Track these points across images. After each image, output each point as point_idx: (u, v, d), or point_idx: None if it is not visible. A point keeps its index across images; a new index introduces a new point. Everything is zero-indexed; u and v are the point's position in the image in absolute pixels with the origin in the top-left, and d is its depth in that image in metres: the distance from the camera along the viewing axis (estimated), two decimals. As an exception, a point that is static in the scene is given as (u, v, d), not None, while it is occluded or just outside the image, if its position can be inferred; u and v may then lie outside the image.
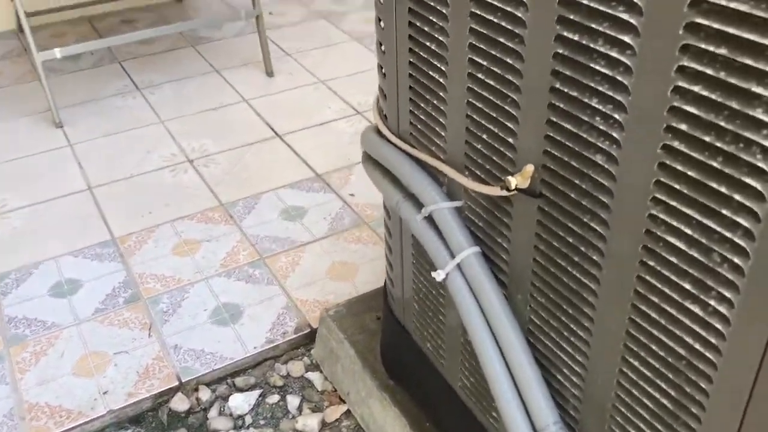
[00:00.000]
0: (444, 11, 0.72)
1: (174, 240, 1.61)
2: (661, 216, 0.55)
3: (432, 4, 0.73)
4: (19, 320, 1.41)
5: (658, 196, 0.54)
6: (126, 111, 2.09)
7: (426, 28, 0.76)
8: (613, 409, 0.67)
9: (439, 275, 0.78)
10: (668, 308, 0.57)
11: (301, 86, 2.19)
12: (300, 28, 2.56)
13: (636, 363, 0.63)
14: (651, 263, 0.57)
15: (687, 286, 0.55)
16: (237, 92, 2.16)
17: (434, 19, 0.74)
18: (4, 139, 1.97)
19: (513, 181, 0.65)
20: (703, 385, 0.56)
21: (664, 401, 0.60)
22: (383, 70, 0.88)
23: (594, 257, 0.63)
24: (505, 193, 0.70)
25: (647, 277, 0.58)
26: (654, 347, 0.60)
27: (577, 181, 0.62)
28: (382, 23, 0.85)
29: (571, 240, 0.65)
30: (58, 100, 2.11)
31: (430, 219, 0.82)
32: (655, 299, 0.58)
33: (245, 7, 2.20)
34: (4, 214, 1.70)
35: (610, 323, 0.64)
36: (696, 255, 0.53)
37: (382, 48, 0.87)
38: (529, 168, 0.64)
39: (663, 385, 0.60)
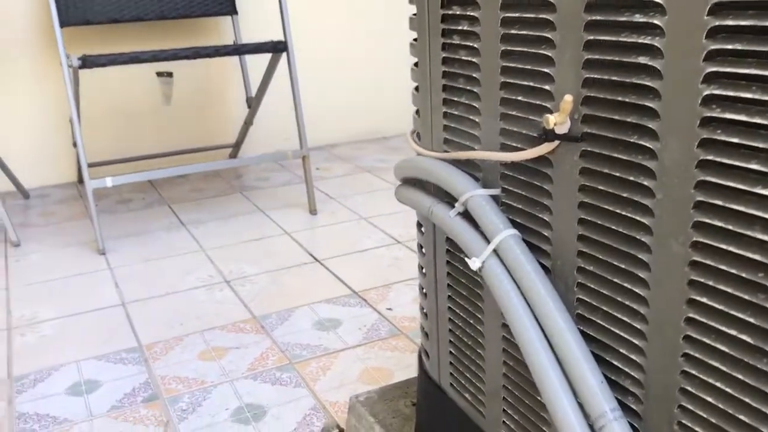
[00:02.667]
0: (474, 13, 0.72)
1: (201, 347, 1.53)
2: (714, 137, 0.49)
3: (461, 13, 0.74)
4: (30, 416, 1.32)
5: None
6: (169, 241, 2.11)
7: (457, 27, 0.76)
8: (680, 395, 0.56)
9: (474, 263, 0.71)
10: (730, 269, 0.49)
11: (343, 222, 2.20)
12: (345, 179, 2.63)
13: (701, 338, 0.53)
14: (705, 218, 0.50)
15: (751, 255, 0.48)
16: (279, 226, 2.18)
17: (464, 12, 0.74)
18: (44, 264, 1.99)
19: (552, 119, 0.61)
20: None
21: (736, 388, 0.50)
22: (417, 88, 0.88)
23: (644, 202, 0.56)
24: (544, 148, 0.65)
25: (701, 239, 0.51)
26: (718, 323, 0.51)
27: (618, 117, 0.57)
28: (415, 39, 0.86)
29: (618, 185, 0.59)
30: (104, 232, 2.16)
31: (465, 215, 0.76)
32: (713, 263, 0.50)
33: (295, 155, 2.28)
34: (34, 325, 1.66)
35: (667, 292, 0.55)
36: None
37: (416, 64, 0.87)
38: (567, 98, 0.59)
39: (733, 369, 0.50)
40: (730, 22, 0.47)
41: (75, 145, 2.18)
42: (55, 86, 2.61)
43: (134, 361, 1.49)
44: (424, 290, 0.96)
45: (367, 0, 3.02)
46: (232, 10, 2.54)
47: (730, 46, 0.48)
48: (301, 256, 1.96)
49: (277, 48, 2.16)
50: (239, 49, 2.12)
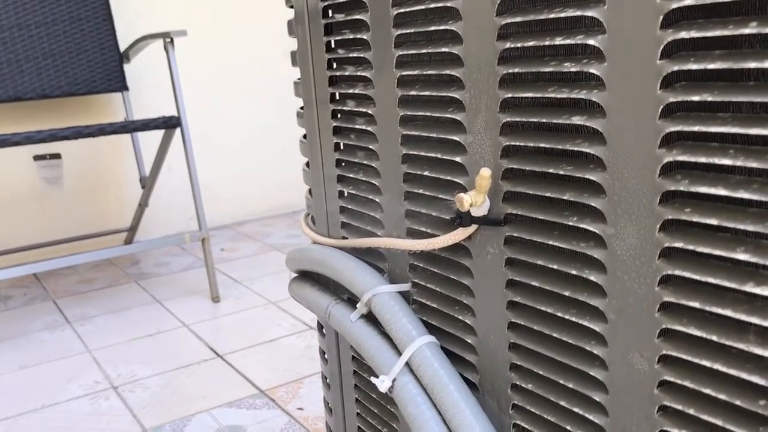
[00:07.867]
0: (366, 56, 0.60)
1: (80, 473, 1.30)
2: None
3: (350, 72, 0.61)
4: None
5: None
6: (51, 344, 1.86)
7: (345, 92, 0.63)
8: None
9: (382, 384, 0.56)
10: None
11: (250, 308, 2.01)
12: (252, 259, 2.45)
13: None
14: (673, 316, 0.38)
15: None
16: (177, 318, 1.97)
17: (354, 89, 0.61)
18: None
19: (466, 199, 0.48)
20: None
21: None
22: (308, 163, 0.74)
23: (593, 303, 0.43)
24: (458, 234, 0.51)
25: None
26: None
27: (550, 194, 0.45)
28: (302, 107, 0.72)
29: (557, 281, 0.46)
30: (-25, 337, 1.89)
31: (369, 317, 0.61)
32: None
33: (193, 237, 2.10)
34: None
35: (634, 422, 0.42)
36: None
37: (305, 136, 0.73)
38: (484, 173, 0.47)
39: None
40: (682, 98, 0.36)
41: (-60, 239, 1.93)
42: None
43: (-5, 497, 1.25)
44: (330, 405, 0.79)
45: (271, 70, 2.91)
46: (122, 87, 2.37)
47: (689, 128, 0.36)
48: (200, 352, 1.75)
49: (169, 123, 2.00)
50: (126, 127, 1.95)
